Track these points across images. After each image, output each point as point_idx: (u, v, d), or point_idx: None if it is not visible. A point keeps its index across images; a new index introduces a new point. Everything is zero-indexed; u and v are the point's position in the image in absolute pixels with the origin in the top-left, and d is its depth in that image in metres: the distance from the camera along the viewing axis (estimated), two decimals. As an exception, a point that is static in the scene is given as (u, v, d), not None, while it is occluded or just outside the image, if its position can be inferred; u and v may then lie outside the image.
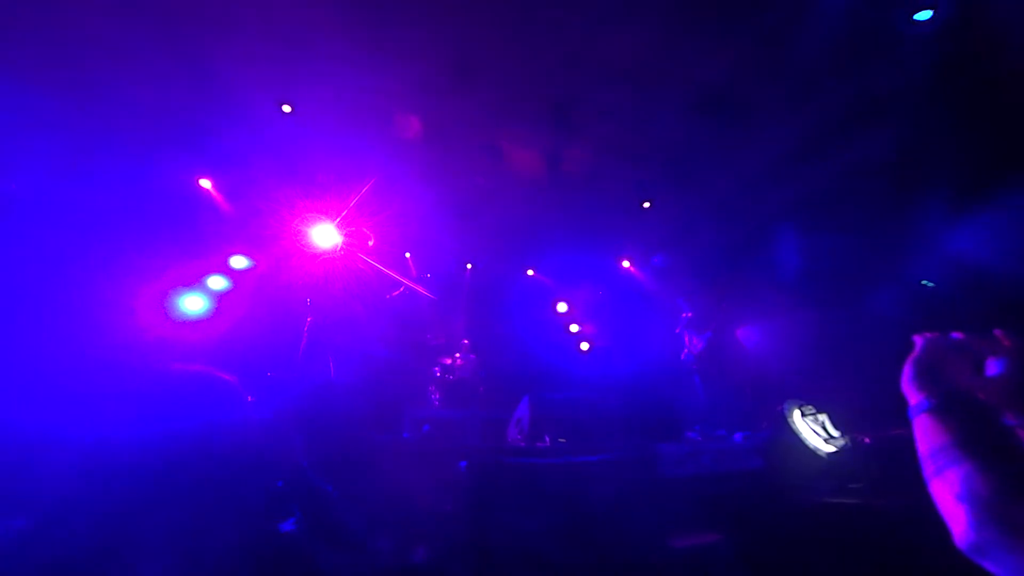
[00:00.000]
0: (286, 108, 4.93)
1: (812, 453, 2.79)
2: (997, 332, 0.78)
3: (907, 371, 0.83)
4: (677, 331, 4.94)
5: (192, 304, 5.33)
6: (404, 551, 2.02)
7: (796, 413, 2.93)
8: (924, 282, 4.33)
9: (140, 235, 4.89)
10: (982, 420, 0.73)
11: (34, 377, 3.02)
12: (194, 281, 5.31)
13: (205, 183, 5.64)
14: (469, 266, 7.47)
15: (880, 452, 2.78)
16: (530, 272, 7.63)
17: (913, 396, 0.81)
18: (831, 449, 2.78)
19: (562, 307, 7.73)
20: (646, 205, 6.37)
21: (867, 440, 2.86)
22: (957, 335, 0.81)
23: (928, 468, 0.74)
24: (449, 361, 5.70)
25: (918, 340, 0.85)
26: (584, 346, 7.61)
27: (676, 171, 5.95)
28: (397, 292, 4.37)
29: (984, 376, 0.78)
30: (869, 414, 3.00)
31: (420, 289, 4.86)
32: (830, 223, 5.04)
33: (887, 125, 4.49)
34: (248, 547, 1.22)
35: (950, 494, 0.68)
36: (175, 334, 4.73)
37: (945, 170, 4.15)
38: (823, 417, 2.92)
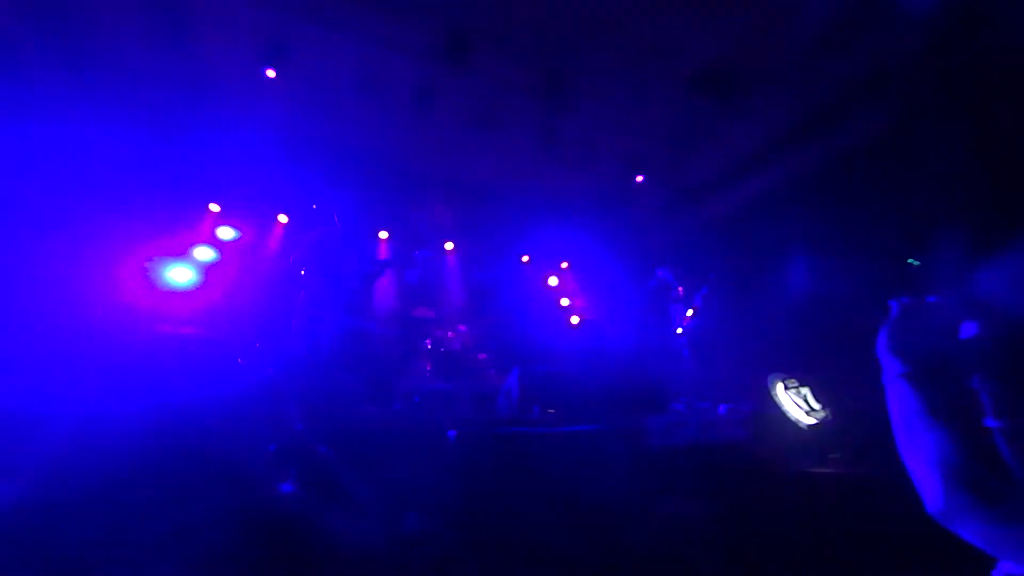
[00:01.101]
0: (270, 73, 4.77)
1: (794, 425, 2.87)
2: (971, 294, 0.78)
3: (882, 336, 0.83)
4: (667, 304, 4.97)
5: (179, 275, 5.25)
6: (395, 519, 2.06)
7: (779, 386, 2.99)
8: (911, 260, 4.37)
9: (124, 205, 4.78)
10: (954, 386, 0.74)
11: (18, 349, 2.98)
12: (180, 252, 5.22)
13: (189, 151, 5.49)
14: (455, 242, 7.42)
15: (859, 424, 2.86)
16: (525, 259, 7.63)
17: (887, 362, 0.82)
18: (812, 421, 2.86)
19: (553, 281, 7.74)
20: (639, 179, 6.34)
21: (847, 412, 2.94)
22: (932, 298, 0.81)
23: (900, 434, 0.75)
24: (440, 334, 5.72)
25: (893, 305, 0.85)
26: (575, 320, 7.67)
27: (670, 146, 5.91)
28: (384, 268, 4.33)
29: (957, 339, 0.78)
30: (849, 387, 3.07)
31: (413, 261, 4.82)
32: (823, 201, 5.04)
33: (886, 104, 4.45)
34: (246, 510, 1.22)
35: (921, 460, 0.69)
36: (162, 305, 4.67)
37: (941, 151, 4.14)
38: (805, 390, 2.99)
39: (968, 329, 0.77)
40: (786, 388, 2.92)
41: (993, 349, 0.73)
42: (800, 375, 2.97)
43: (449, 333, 5.73)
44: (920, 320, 0.82)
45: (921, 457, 0.70)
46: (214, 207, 5.90)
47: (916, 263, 4.54)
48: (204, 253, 5.55)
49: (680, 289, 5.09)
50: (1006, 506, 0.60)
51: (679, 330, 4.75)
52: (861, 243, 4.58)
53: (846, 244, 4.73)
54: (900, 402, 0.78)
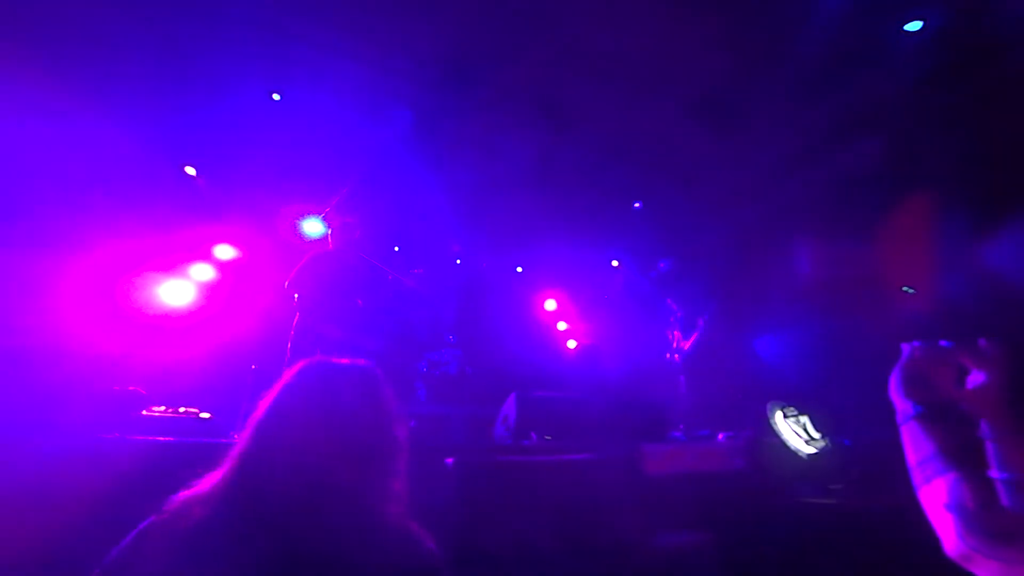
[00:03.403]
0: (275, 96, 4.85)
1: (793, 454, 2.84)
2: (981, 342, 0.78)
3: (894, 378, 0.84)
4: (665, 331, 4.98)
5: (175, 293, 5.23)
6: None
7: (778, 414, 2.98)
8: (905, 288, 4.42)
9: (122, 222, 4.78)
10: (966, 430, 0.74)
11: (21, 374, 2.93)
12: (177, 270, 5.20)
13: (190, 170, 5.53)
14: (458, 262, 7.44)
15: (859, 454, 2.85)
16: (519, 269, 7.63)
17: (900, 403, 0.82)
18: (811, 450, 2.83)
19: (551, 304, 7.74)
20: (636, 205, 6.42)
21: (846, 442, 2.92)
22: (945, 343, 0.81)
23: (917, 477, 0.75)
24: (435, 357, 5.67)
25: (905, 348, 0.85)
26: (571, 344, 7.64)
27: (669, 172, 6.00)
28: (382, 290, 4.32)
29: (966, 386, 0.78)
30: (849, 417, 3.06)
31: (409, 283, 4.82)
32: (822, 230, 5.11)
33: (880, 133, 4.56)
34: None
35: (939, 503, 0.69)
36: (156, 324, 4.64)
37: (936, 179, 4.23)
38: (804, 419, 2.98)
39: (975, 378, 0.77)
40: (785, 416, 2.91)
41: (998, 401, 0.73)
42: (799, 404, 2.97)
43: (445, 356, 5.69)
44: (932, 364, 0.81)
45: (938, 500, 0.70)
46: (214, 225, 5.92)
47: (911, 291, 4.59)
48: (202, 271, 5.54)
49: (679, 314, 5.11)
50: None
51: (676, 356, 4.74)
52: (858, 271, 4.63)
53: (843, 272, 4.79)
54: (914, 444, 0.78)
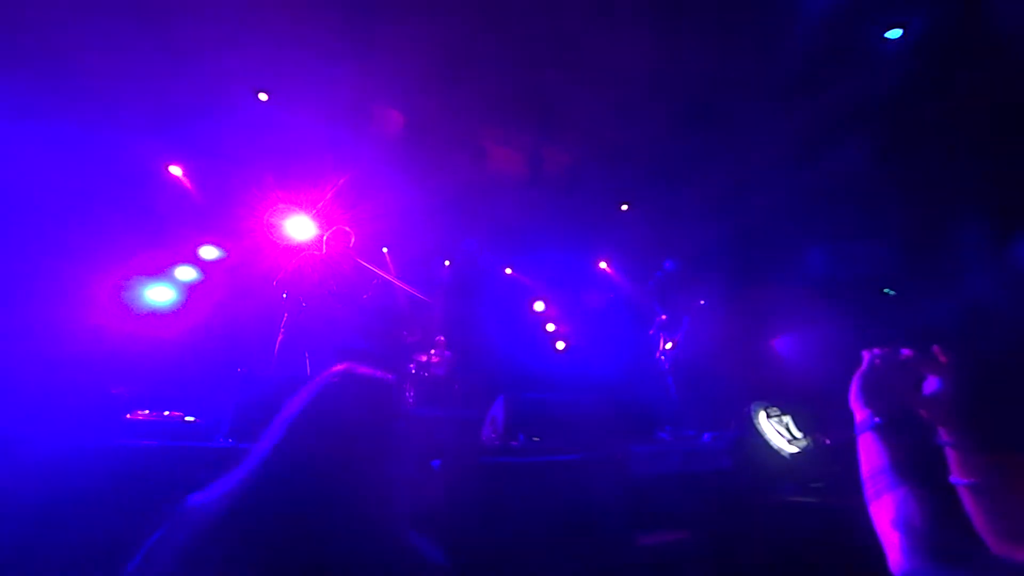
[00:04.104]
0: (263, 96, 4.81)
1: (776, 453, 2.89)
2: (935, 349, 0.78)
3: (854, 386, 0.82)
4: (651, 332, 5.03)
5: (159, 295, 5.15)
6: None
7: (762, 414, 3.03)
8: (886, 290, 4.51)
9: (104, 222, 4.70)
10: (920, 441, 0.74)
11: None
12: (161, 271, 5.13)
13: (175, 170, 5.46)
14: (447, 263, 7.43)
15: (840, 453, 2.90)
16: (508, 271, 7.65)
17: (859, 412, 0.81)
18: (794, 450, 2.89)
19: (539, 306, 7.77)
20: (624, 207, 6.47)
21: (828, 441, 2.98)
22: (906, 351, 0.80)
23: (868, 490, 0.74)
24: (424, 358, 5.65)
25: (866, 355, 0.84)
26: (560, 345, 7.67)
27: (657, 175, 6.05)
28: (369, 293, 4.30)
29: (923, 393, 0.77)
30: (831, 416, 3.12)
31: (398, 283, 4.80)
32: (807, 232, 5.19)
33: (864, 137, 4.65)
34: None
35: (886, 519, 0.68)
36: (140, 326, 4.56)
37: (919, 183, 4.32)
38: (787, 419, 3.03)
39: (931, 384, 0.77)
40: (768, 416, 2.96)
41: (956, 407, 0.73)
42: (782, 404, 3.02)
43: (434, 358, 5.67)
44: (892, 372, 0.80)
45: (886, 516, 0.69)
46: (198, 225, 5.85)
47: (891, 292, 4.69)
48: (186, 273, 5.47)
49: (663, 316, 5.16)
50: (969, 569, 0.59)
51: (661, 357, 4.79)
52: (844, 271, 4.71)
53: (830, 272, 4.87)
54: (868, 455, 0.76)
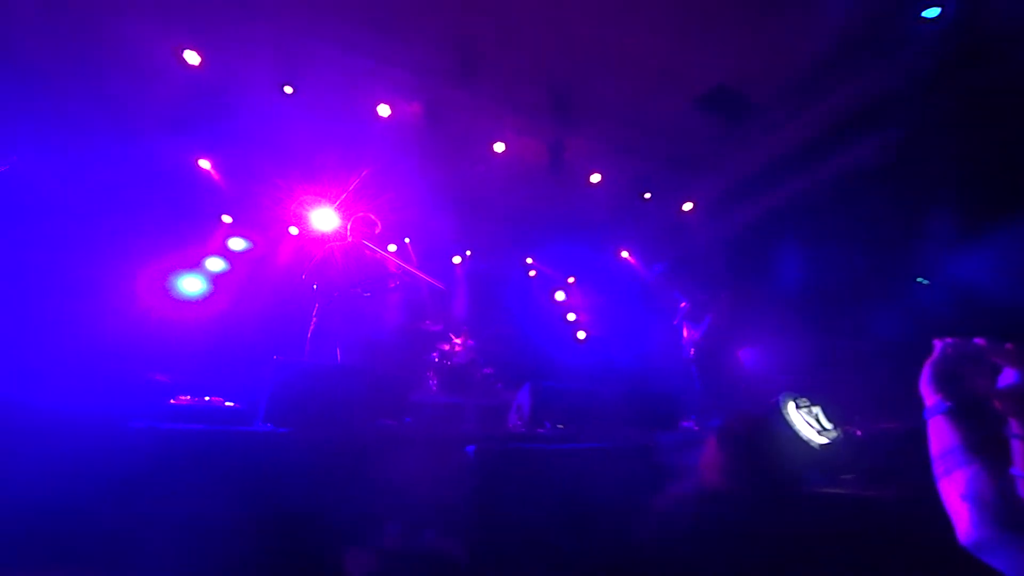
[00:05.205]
0: (288, 89, 4.87)
1: (805, 444, 2.86)
2: (1009, 345, 0.79)
3: (925, 372, 0.85)
4: (675, 322, 4.99)
5: (191, 285, 5.32)
6: (411, 535, 2.07)
7: (791, 405, 2.99)
8: (920, 279, 4.39)
9: (139, 216, 4.85)
10: (992, 426, 0.76)
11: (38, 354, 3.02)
12: (193, 262, 5.29)
13: (204, 164, 5.59)
14: (468, 253, 7.47)
15: (871, 445, 2.86)
16: (529, 260, 7.66)
17: (929, 397, 0.83)
18: (824, 441, 2.85)
19: (560, 296, 7.77)
20: (647, 196, 6.40)
21: (859, 433, 2.94)
22: (979, 341, 0.82)
23: (938, 468, 0.77)
24: (447, 347, 5.72)
25: (937, 344, 0.87)
26: (581, 335, 7.68)
27: (677, 166, 5.97)
28: (396, 283, 4.36)
29: (997, 385, 0.79)
30: (861, 408, 3.07)
31: (420, 275, 4.86)
32: (829, 226, 5.07)
33: (891, 126, 4.51)
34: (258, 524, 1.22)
35: (956, 494, 0.71)
36: (182, 317, 4.72)
37: (948, 174, 4.18)
38: (817, 409, 2.99)
39: (1008, 376, 0.78)
40: (798, 407, 2.92)
41: None
42: (812, 394, 2.98)
43: (456, 347, 5.73)
44: (964, 361, 0.83)
45: (956, 490, 0.72)
46: (226, 218, 6.00)
47: (925, 282, 4.56)
48: (215, 264, 5.63)
49: (684, 304, 5.12)
50: None
51: (687, 347, 4.76)
52: (870, 262, 4.60)
53: (854, 263, 4.76)
54: (938, 436, 0.79)
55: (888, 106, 4.46)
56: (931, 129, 4.29)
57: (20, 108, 4.28)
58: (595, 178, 6.06)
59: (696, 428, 3.57)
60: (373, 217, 4.27)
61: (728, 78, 4.64)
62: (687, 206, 6.48)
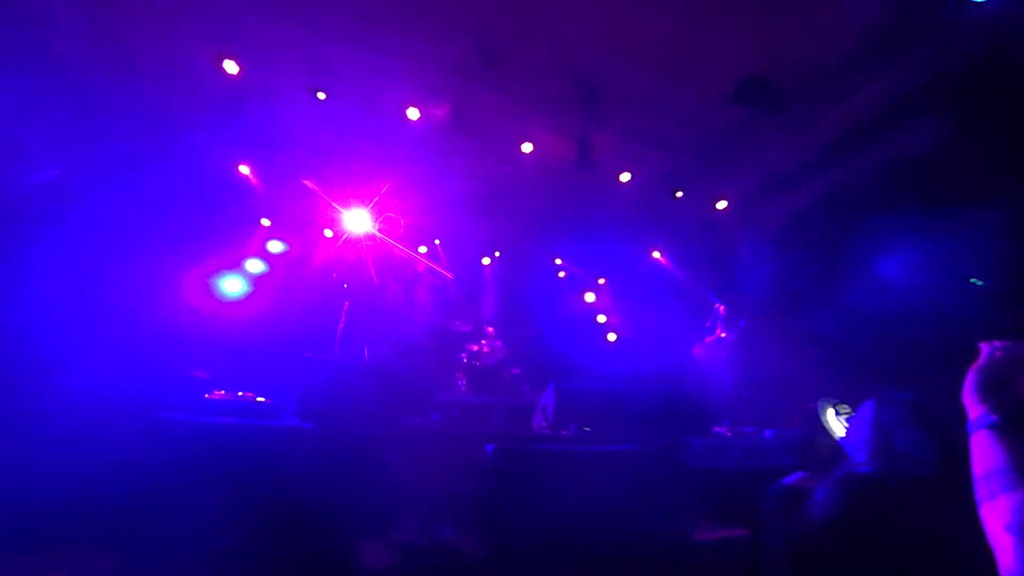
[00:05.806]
0: (320, 95, 5.01)
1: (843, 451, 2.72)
2: None
3: (970, 380, 0.75)
4: (707, 324, 4.86)
5: (232, 286, 5.56)
6: (429, 529, 2.08)
7: (830, 412, 2.85)
8: (973, 280, 4.11)
9: (186, 220, 5.11)
10: None
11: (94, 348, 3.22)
12: (234, 264, 5.52)
13: (244, 169, 5.81)
14: (497, 254, 7.49)
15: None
16: (558, 261, 7.61)
17: (974, 409, 0.74)
18: (865, 449, 2.71)
19: (590, 297, 7.69)
20: (679, 194, 6.25)
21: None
22: None
23: (980, 490, 0.68)
24: (475, 348, 5.76)
25: (984, 347, 0.77)
26: (611, 337, 7.57)
27: (709, 162, 5.80)
28: (424, 284, 4.43)
29: None
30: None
31: (448, 275, 4.91)
32: (863, 221, 4.81)
33: (930, 117, 4.24)
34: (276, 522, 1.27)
35: (1000, 523, 0.63)
36: (217, 313, 4.95)
37: (987, 165, 3.90)
38: (858, 416, 2.84)
39: None
40: (837, 414, 2.78)
41: None
42: (852, 400, 2.83)
43: (485, 347, 5.76)
44: (1015, 367, 0.73)
45: (1000, 518, 0.63)
46: (265, 222, 6.23)
47: (979, 283, 4.27)
48: (255, 265, 5.86)
49: (720, 307, 4.97)
50: None
51: (719, 350, 4.62)
52: (915, 260, 4.35)
53: (897, 261, 4.50)
54: (983, 454, 0.70)
55: (930, 97, 4.20)
56: (977, 118, 4.01)
57: (68, 120, 4.57)
58: (625, 176, 5.96)
59: (728, 434, 3.45)
60: (399, 217, 4.35)
61: (761, 68, 4.47)
62: (721, 204, 6.30)
